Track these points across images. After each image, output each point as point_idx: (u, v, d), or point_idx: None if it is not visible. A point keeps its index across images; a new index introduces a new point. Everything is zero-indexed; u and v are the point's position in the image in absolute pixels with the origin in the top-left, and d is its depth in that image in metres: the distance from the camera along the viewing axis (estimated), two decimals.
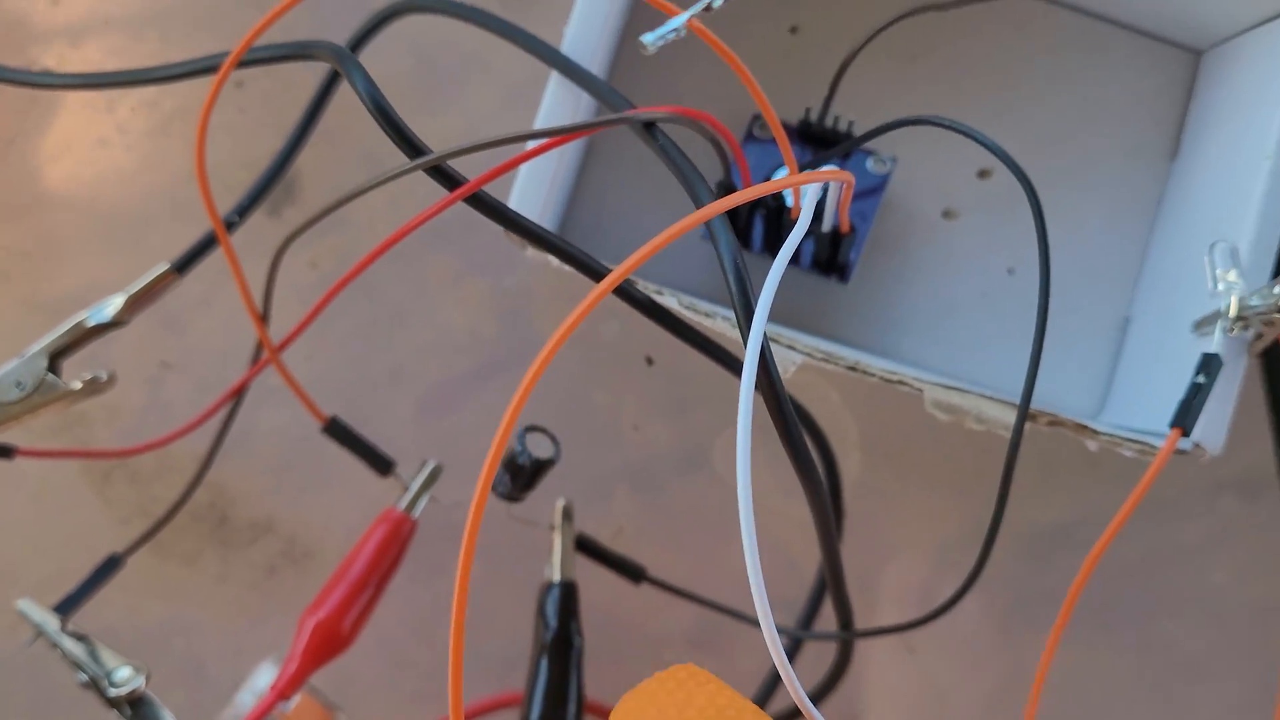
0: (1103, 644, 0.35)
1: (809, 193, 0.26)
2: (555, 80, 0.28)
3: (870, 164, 0.33)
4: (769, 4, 0.34)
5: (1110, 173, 0.34)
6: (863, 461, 0.35)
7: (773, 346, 0.28)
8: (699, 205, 0.23)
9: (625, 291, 0.27)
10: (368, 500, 0.33)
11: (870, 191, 0.33)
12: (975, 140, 0.26)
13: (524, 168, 0.28)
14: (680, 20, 0.19)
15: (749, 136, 0.34)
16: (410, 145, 0.24)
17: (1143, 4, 0.33)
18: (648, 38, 0.20)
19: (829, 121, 0.32)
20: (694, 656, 0.26)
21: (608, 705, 0.35)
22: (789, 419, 0.21)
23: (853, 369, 0.28)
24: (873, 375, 0.28)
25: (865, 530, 0.34)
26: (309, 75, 0.32)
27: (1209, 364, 0.27)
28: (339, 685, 0.31)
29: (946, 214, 0.34)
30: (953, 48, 0.34)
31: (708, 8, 0.18)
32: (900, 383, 0.28)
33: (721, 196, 0.31)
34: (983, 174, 0.34)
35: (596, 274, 0.26)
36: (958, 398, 0.28)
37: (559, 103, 0.28)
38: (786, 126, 0.33)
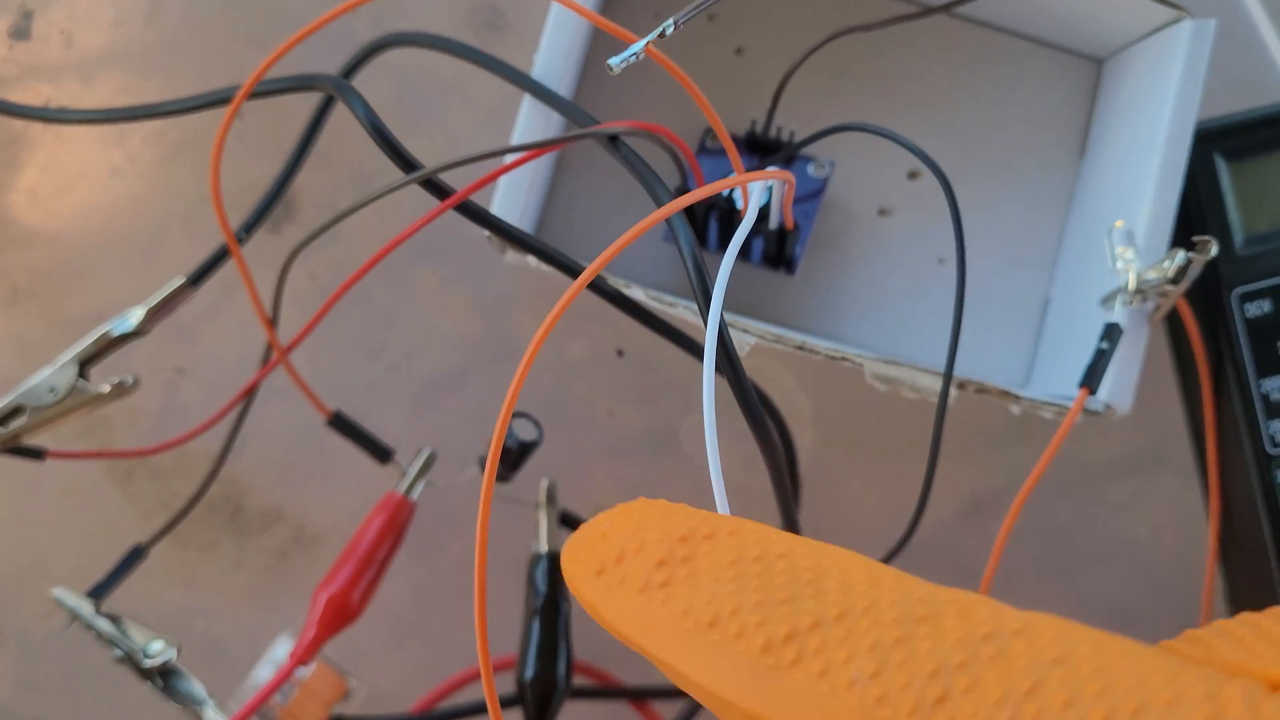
0: (1040, 594, 0.39)
1: (755, 190, 0.30)
2: (528, 102, 0.31)
3: (811, 169, 0.37)
4: (716, 29, 0.38)
5: (1028, 170, 0.38)
6: (815, 436, 0.38)
7: (730, 330, 0.32)
8: (659, 205, 0.26)
9: (598, 287, 0.30)
10: (368, 487, 0.37)
11: (812, 194, 0.37)
12: (901, 145, 0.30)
13: (503, 179, 0.31)
14: (640, 45, 0.23)
15: (702, 148, 0.37)
16: (405, 161, 0.28)
17: (1048, 20, 0.37)
18: (613, 60, 0.23)
19: (772, 132, 0.36)
20: None
21: (594, 666, 0.38)
22: (747, 389, 0.25)
23: (800, 348, 0.32)
24: (818, 354, 0.32)
25: (820, 498, 0.38)
26: (301, 105, 0.36)
27: (1110, 332, 0.31)
28: (348, 656, 0.34)
29: (881, 211, 0.38)
30: (879, 61, 0.38)
31: (662, 34, 0.21)
32: (843, 359, 0.32)
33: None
34: (912, 175, 0.38)
35: (572, 271, 0.30)
36: (894, 370, 0.32)
37: (532, 121, 0.31)
38: (734, 138, 0.37)
